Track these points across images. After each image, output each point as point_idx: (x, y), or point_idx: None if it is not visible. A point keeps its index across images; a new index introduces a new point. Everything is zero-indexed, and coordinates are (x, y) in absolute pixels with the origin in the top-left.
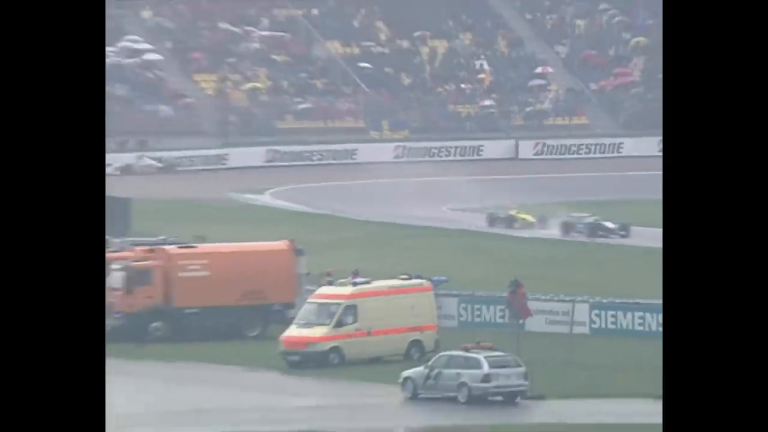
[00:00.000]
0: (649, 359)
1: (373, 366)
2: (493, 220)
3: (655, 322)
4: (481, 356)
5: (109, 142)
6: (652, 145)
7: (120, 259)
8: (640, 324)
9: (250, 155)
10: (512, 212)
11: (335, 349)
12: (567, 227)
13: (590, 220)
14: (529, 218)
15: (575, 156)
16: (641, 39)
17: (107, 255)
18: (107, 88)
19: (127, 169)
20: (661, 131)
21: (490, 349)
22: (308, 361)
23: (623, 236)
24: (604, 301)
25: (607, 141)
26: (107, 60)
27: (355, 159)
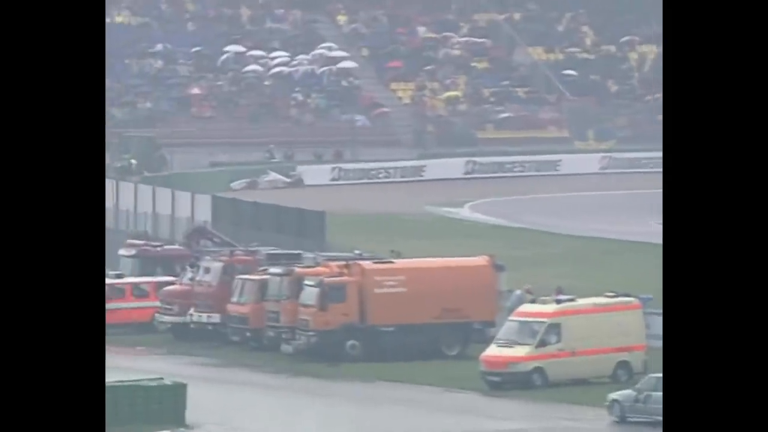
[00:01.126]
0: None
1: (578, 387)
2: None
3: None
4: None
5: (305, 153)
6: None
7: (314, 275)
8: None
9: (449, 166)
10: None
11: (538, 370)
12: None
13: None
14: None
15: None
16: None
17: (299, 270)
18: (300, 97)
19: (252, 184)
20: None
21: None
22: (509, 382)
23: None
24: None
25: None
26: (301, 68)
27: (558, 170)
